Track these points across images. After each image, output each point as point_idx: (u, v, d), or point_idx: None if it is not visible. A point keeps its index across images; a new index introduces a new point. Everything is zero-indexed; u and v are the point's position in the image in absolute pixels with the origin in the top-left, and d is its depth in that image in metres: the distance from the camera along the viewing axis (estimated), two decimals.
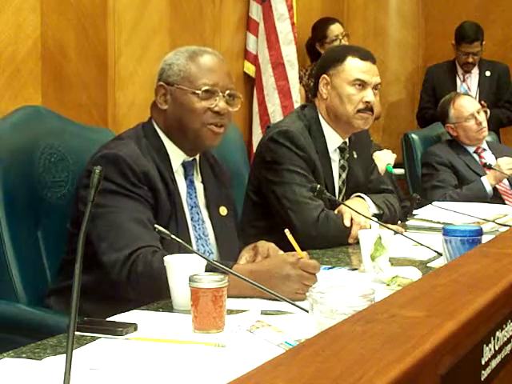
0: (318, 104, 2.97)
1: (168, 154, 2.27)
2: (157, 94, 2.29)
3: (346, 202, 2.84)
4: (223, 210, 2.36)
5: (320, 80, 2.94)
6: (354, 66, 2.88)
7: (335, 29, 5.39)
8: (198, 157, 2.35)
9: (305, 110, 2.99)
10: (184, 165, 2.30)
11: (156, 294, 1.95)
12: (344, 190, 2.99)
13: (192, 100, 2.23)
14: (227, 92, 2.25)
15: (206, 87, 2.22)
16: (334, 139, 2.94)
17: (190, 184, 2.31)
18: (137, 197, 2.13)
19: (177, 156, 2.28)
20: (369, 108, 2.88)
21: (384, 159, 3.84)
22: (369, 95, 2.86)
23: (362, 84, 2.86)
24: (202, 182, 2.35)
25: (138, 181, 2.14)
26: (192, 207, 2.29)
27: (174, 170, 2.27)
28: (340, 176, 2.98)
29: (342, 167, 2.98)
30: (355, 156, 3.03)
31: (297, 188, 2.78)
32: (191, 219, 2.28)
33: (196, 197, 2.31)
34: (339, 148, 2.96)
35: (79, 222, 2.14)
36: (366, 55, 2.91)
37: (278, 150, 2.82)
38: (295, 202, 2.77)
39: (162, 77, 2.29)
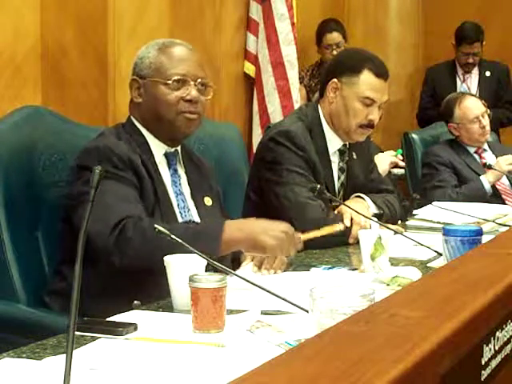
0: (322, 105, 2.95)
1: (150, 147, 2.30)
2: (131, 89, 2.33)
3: (346, 202, 2.84)
4: (208, 201, 2.39)
5: (330, 83, 2.91)
6: (367, 83, 2.83)
7: (330, 38, 5.44)
8: (179, 148, 2.38)
9: (306, 110, 2.98)
10: (166, 155, 2.33)
11: (149, 258, 1.95)
12: (342, 192, 2.98)
13: (164, 91, 2.26)
14: (198, 81, 2.28)
15: (177, 77, 2.26)
16: (334, 141, 2.93)
17: (174, 173, 2.35)
18: (122, 179, 2.16)
19: (158, 148, 2.32)
20: (370, 125, 2.87)
21: (386, 160, 3.81)
22: (374, 113, 2.85)
23: (371, 102, 2.85)
24: (185, 173, 2.38)
25: (122, 164, 2.18)
26: (177, 194, 2.32)
27: (158, 162, 2.30)
28: (339, 178, 2.97)
29: (340, 169, 2.97)
30: (355, 157, 3.02)
31: (296, 188, 2.78)
32: (178, 206, 2.31)
33: (180, 185, 2.35)
34: (339, 150, 2.96)
35: (66, 217, 2.17)
36: (381, 71, 2.86)
37: (278, 149, 2.82)
38: (295, 202, 2.77)
39: (135, 71, 2.33)
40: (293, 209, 2.76)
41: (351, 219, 2.76)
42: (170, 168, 2.33)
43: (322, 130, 2.91)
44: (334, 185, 2.94)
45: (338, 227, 2.31)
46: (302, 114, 2.95)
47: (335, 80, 2.89)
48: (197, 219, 2.33)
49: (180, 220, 2.29)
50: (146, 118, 2.31)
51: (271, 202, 2.84)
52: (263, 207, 2.89)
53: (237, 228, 2.07)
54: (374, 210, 2.92)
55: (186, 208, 2.32)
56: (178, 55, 2.29)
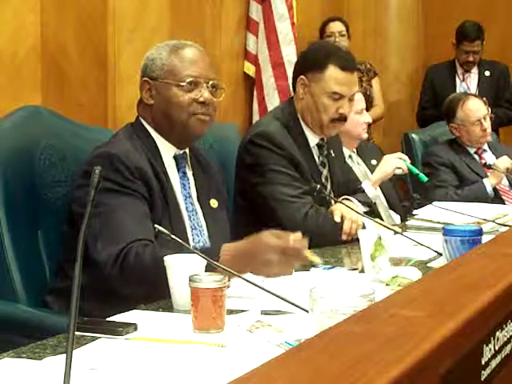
0: (295, 101, 2.95)
1: (159, 149, 2.29)
2: (142, 90, 2.33)
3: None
4: (214, 203, 2.39)
5: (298, 79, 2.91)
6: (333, 78, 2.83)
7: (333, 26, 5.43)
8: (188, 150, 2.37)
9: (282, 107, 3.00)
10: (176, 158, 2.33)
11: (149, 288, 1.95)
12: (329, 187, 2.98)
13: (177, 93, 2.26)
14: (210, 83, 2.29)
15: (190, 79, 2.25)
16: (311, 136, 2.93)
17: (183, 176, 2.34)
18: (131, 192, 2.15)
19: (168, 150, 2.31)
20: (342, 118, 2.87)
21: (391, 164, 3.76)
22: (344, 107, 2.85)
23: (339, 96, 2.84)
24: (193, 175, 2.38)
25: (131, 176, 2.16)
26: (186, 197, 2.32)
27: (167, 165, 2.29)
28: (322, 173, 2.97)
29: (322, 164, 2.97)
30: (333, 155, 3.03)
31: (281, 187, 2.77)
32: (186, 209, 2.30)
33: (189, 188, 2.34)
34: (317, 145, 2.95)
35: (74, 222, 2.15)
36: (347, 64, 2.84)
37: (258, 151, 2.82)
38: (281, 202, 2.76)
39: (145, 73, 2.32)
40: (280, 208, 2.75)
41: (341, 215, 2.75)
42: (178, 171, 2.33)
43: (301, 125, 2.91)
44: (320, 178, 2.94)
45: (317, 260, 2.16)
46: (277, 113, 2.96)
47: (303, 77, 2.90)
48: (203, 222, 2.33)
49: (188, 223, 2.28)
50: (157, 120, 2.30)
51: (258, 203, 2.83)
52: (250, 209, 2.87)
53: (234, 248, 1.99)
54: (362, 209, 2.92)
55: (194, 211, 2.32)
56: (190, 57, 2.29)
